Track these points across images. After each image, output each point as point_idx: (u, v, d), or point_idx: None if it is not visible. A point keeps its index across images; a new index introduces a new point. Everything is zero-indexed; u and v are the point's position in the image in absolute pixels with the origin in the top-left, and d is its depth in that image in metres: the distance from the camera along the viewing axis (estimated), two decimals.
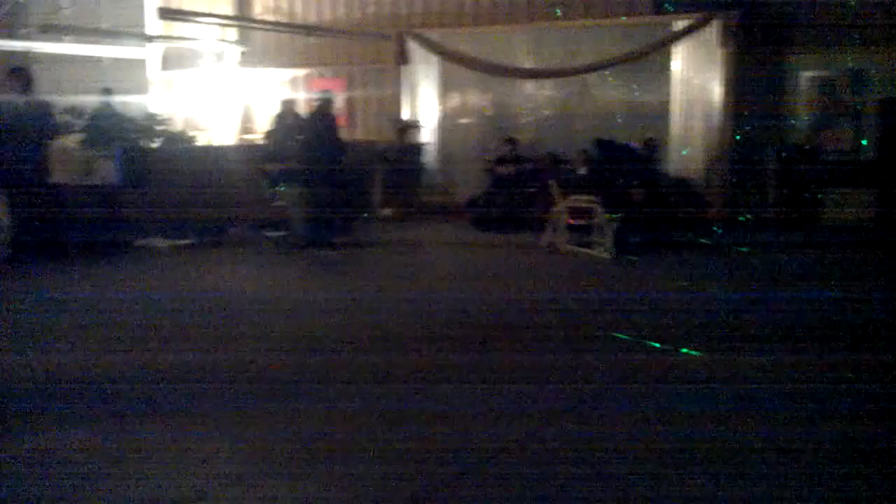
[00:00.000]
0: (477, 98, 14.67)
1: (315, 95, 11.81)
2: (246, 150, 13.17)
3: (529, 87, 14.28)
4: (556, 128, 13.91)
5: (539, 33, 13.92)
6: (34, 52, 14.27)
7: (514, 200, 12.01)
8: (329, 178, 10.40)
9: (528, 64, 13.99)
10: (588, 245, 9.95)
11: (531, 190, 11.75)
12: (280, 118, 12.04)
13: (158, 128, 12.06)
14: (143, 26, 15.36)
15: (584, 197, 10.04)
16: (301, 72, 15.15)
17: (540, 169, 12.12)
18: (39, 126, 9.32)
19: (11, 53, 13.97)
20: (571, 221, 10.19)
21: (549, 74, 13.85)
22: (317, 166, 10.34)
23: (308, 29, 14.45)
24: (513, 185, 12.27)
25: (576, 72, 13.37)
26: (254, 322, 6.89)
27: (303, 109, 12.57)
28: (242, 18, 15.33)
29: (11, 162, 9.04)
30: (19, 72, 9.43)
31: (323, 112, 10.83)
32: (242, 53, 15.64)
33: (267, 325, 6.76)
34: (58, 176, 9.74)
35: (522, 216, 11.64)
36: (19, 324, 6.77)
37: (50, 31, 13.93)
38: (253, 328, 6.67)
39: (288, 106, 12.29)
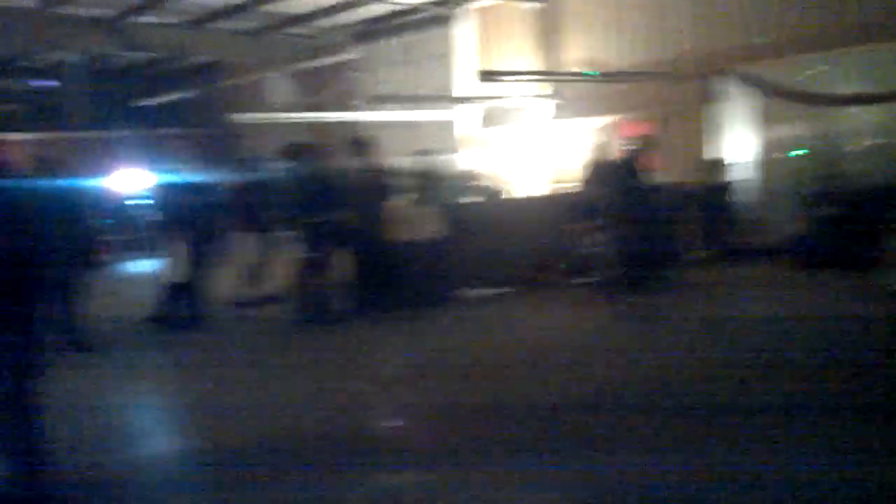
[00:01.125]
0: (796, 130, 13.93)
1: (624, 141, 11.82)
2: (558, 199, 13.44)
3: (854, 114, 13.33)
4: (888, 158, 12.81)
5: (861, 57, 12.99)
6: (363, 121, 15.63)
7: (843, 237, 11.18)
8: (639, 223, 10.32)
9: (850, 90, 13.07)
10: None
11: (863, 226, 10.87)
12: (591, 167, 12.17)
13: (478, 184, 12.68)
14: (456, 89, 16.34)
15: None
16: (610, 119, 15.28)
17: (871, 201, 11.21)
18: (376, 188, 10.13)
19: (344, 124, 15.41)
20: None
21: (876, 100, 12.83)
22: (627, 212, 10.30)
23: (616, 76, 14.57)
24: (840, 221, 11.44)
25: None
26: (577, 364, 7.00)
27: (613, 156, 12.62)
28: (555, 73, 15.78)
29: (357, 222, 9.87)
30: (359, 140, 10.32)
31: (632, 157, 10.82)
32: (556, 106, 16.06)
33: (589, 368, 6.84)
34: (391, 233, 10.48)
35: (854, 254, 10.80)
36: (365, 372, 7.35)
37: (376, 101, 15.24)
38: (576, 370, 6.78)
39: (598, 154, 12.40)
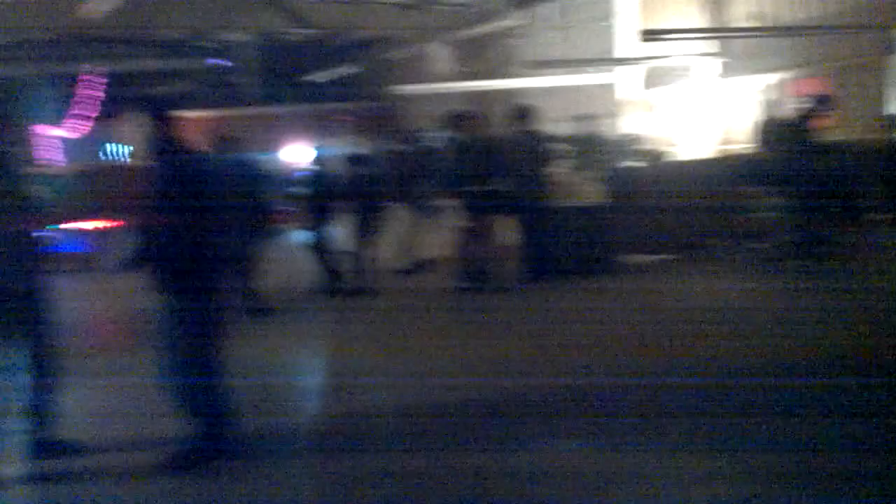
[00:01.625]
0: None
1: (800, 100, 11.22)
2: (727, 161, 12.97)
3: None
4: None
5: None
6: (523, 88, 15.56)
7: None
8: (812, 185, 9.80)
9: None
10: None
11: None
12: (762, 127, 11.66)
13: (641, 147, 12.42)
14: (618, 51, 16.00)
15: None
16: (782, 76, 14.57)
17: None
18: (538, 155, 10.09)
19: (505, 91, 15.39)
20: None
21: None
22: (798, 173, 9.80)
23: (789, 30, 13.86)
24: None
25: None
26: (747, 333, 6.76)
27: (785, 115, 12.05)
28: (722, 29, 15.17)
29: (519, 189, 9.87)
30: (520, 107, 10.29)
31: (806, 116, 10.26)
32: (722, 64, 15.46)
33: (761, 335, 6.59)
34: (553, 199, 10.42)
35: None
36: (536, 339, 7.37)
37: (536, 67, 15.12)
38: (746, 339, 6.55)
39: (769, 113, 11.86)
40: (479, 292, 9.52)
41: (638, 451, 4.62)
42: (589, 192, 10.81)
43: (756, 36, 14.38)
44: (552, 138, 11.73)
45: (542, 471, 4.48)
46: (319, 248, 10.30)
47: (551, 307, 8.62)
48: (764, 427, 4.83)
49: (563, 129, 12.32)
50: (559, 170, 11.59)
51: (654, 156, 12.16)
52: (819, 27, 13.77)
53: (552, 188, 10.26)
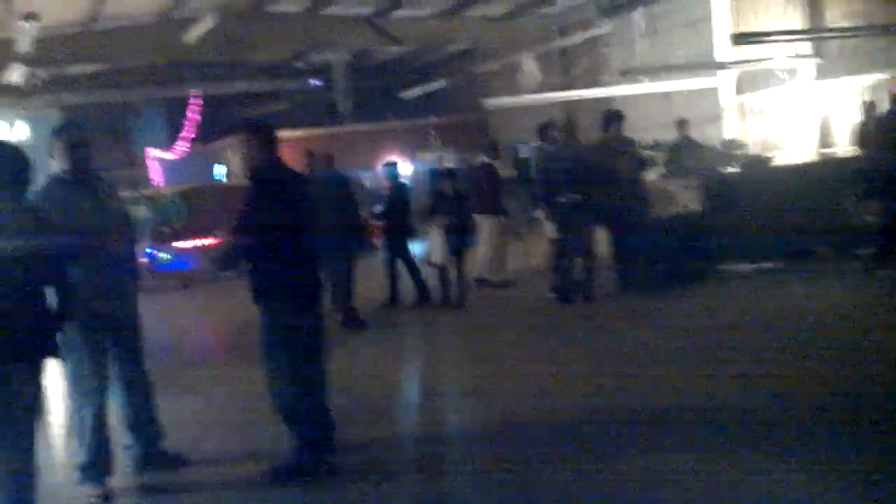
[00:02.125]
0: None
1: None
2: (828, 164, 12.59)
3: None
4: None
5: None
6: (617, 96, 15.42)
7: None
8: None
9: None
10: None
11: None
12: (865, 128, 11.28)
13: (736, 152, 12.17)
14: (712, 55, 15.70)
15: None
16: (881, 76, 14.06)
17: None
18: (632, 163, 9.96)
19: (598, 100, 15.28)
20: None
21: None
22: None
23: (890, 29, 13.37)
24: None
25: None
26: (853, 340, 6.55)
27: (887, 116, 11.61)
28: (817, 30, 14.76)
29: (613, 198, 9.78)
30: (611, 114, 10.16)
31: None
32: (818, 65, 15.04)
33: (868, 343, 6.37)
34: (649, 208, 10.28)
35: None
36: (637, 348, 7.30)
37: (629, 74, 14.97)
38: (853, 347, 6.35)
39: (871, 115, 11.46)
40: (574, 303, 9.47)
41: (754, 461, 4.53)
42: (686, 199, 10.65)
43: (851, 36, 13.92)
44: (646, 145, 11.62)
45: (652, 482, 4.44)
46: (412, 262, 10.45)
47: (648, 317, 8.51)
48: (883, 437, 4.68)
49: (658, 136, 12.18)
50: (655, 178, 11.48)
51: (752, 161, 11.89)
52: None
53: (648, 197, 10.14)
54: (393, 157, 12.44)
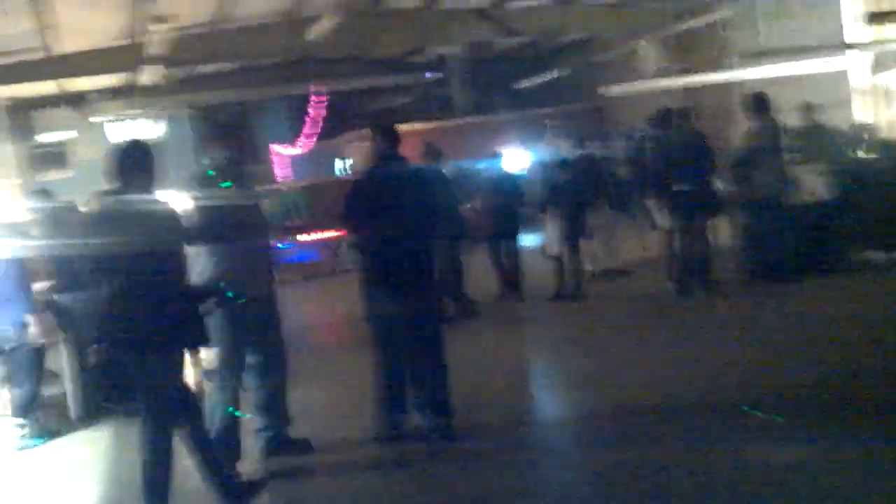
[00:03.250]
0: None
1: None
2: None
3: None
4: None
5: None
6: (739, 80, 14.93)
7: None
8: None
9: None
10: None
11: None
12: None
13: (868, 137, 11.60)
14: (841, 36, 15.01)
15: None
16: None
17: None
18: (770, 147, 9.61)
19: (719, 85, 14.84)
20: None
21: None
22: None
23: None
24: None
25: None
26: None
27: None
28: None
29: (737, 186, 9.51)
30: (759, 96, 9.77)
31: None
32: None
33: None
34: (779, 195, 9.93)
35: None
36: (757, 339, 7.12)
37: (752, 57, 14.47)
38: None
39: None
40: (693, 293, 9.27)
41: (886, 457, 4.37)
42: (814, 186, 10.25)
43: None
44: (778, 130, 11.15)
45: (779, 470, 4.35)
46: (515, 257, 10.46)
47: (770, 308, 8.27)
48: None
49: (788, 120, 11.69)
50: (785, 164, 11.04)
51: (886, 146, 11.32)
52: None
53: (777, 183, 9.80)
54: (500, 149, 12.45)
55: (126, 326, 4.22)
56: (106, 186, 4.50)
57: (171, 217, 4.59)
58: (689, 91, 16.29)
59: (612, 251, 11.26)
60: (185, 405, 4.49)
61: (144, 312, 4.21)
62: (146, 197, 4.43)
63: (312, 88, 22.38)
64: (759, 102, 9.59)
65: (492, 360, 7.63)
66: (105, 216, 4.42)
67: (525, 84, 23.95)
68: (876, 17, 13.36)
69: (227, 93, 23.42)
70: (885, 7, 14.40)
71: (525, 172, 11.63)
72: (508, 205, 10.56)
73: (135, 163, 4.47)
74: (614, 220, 11.26)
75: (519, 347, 8.23)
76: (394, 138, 5.59)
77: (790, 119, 11.02)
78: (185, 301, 4.42)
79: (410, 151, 9.43)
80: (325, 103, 23.12)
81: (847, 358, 6.17)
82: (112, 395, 6.94)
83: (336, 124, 23.49)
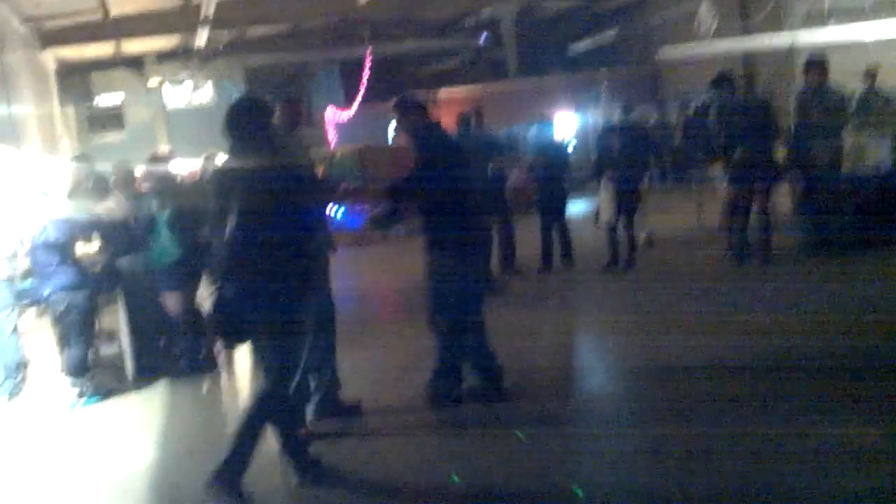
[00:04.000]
0: None
1: None
2: None
3: None
4: None
5: None
6: (801, 43, 14.50)
7: None
8: None
9: None
10: None
11: None
12: None
13: None
14: None
15: None
16: None
17: None
18: (825, 114, 9.33)
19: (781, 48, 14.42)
20: None
21: None
22: None
23: None
24: None
25: None
26: None
27: None
28: None
29: (796, 154, 9.29)
30: (817, 60, 9.46)
31: None
32: None
33: None
34: (839, 165, 9.66)
35: None
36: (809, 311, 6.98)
37: (815, 19, 14.04)
38: None
39: None
40: (750, 263, 9.10)
41: None
42: (875, 156, 9.98)
43: None
44: (839, 97, 10.83)
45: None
46: (564, 226, 10.30)
47: (828, 280, 8.07)
48: None
49: (851, 87, 11.30)
50: (846, 132, 10.72)
51: None
52: None
53: (834, 152, 9.52)
54: (552, 112, 12.24)
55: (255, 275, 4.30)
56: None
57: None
58: (749, 55, 15.88)
59: (674, 217, 11.03)
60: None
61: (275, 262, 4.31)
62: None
63: (364, 51, 22.33)
64: (816, 66, 9.29)
65: (541, 330, 7.58)
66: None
67: (579, 46, 23.61)
68: None
69: (280, 56, 23.48)
70: None
71: (577, 138, 11.50)
72: (557, 171, 10.39)
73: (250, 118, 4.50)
74: (671, 186, 11.07)
75: (568, 318, 8.15)
76: (422, 113, 5.64)
77: (852, 85, 10.70)
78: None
79: (456, 117, 9.39)
80: (378, 67, 23.05)
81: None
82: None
83: (389, 88, 23.47)
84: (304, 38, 22.69)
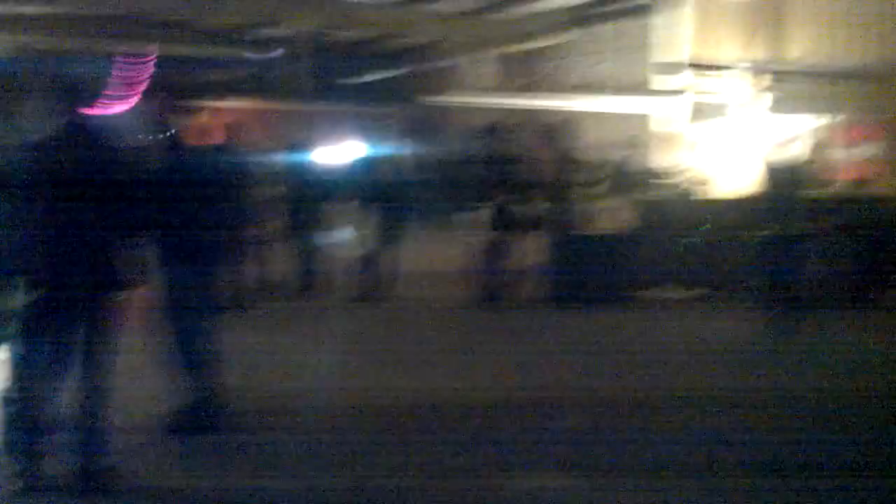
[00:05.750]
0: None
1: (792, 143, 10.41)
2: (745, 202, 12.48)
3: None
4: None
5: None
6: (561, 110, 15.37)
7: None
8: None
9: None
10: None
11: None
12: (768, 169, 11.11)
13: (672, 180, 12.20)
14: (665, 80, 15.72)
15: None
16: (832, 119, 14.19)
17: None
18: (568, 176, 9.90)
19: (539, 111, 15.20)
20: None
21: None
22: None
23: (843, 74, 13.56)
24: None
25: None
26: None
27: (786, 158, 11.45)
28: (770, 68, 14.78)
29: (546, 209, 9.76)
30: (558, 126, 10.04)
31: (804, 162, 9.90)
32: (772, 101, 15.05)
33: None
34: (580, 224, 10.22)
35: None
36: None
37: (575, 89, 14.96)
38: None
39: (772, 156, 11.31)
40: (490, 310, 9.40)
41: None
42: (616, 219, 10.66)
43: (804, 77, 14.07)
44: (586, 162, 11.53)
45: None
46: (311, 253, 10.16)
47: (555, 331, 8.50)
48: None
49: (598, 154, 12.10)
50: (589, 194, 11.43)
51: (685, 190, 11.94)
52: (872, 73, 13.45)
53: (580, 212, 10.13)
54: (321, 140, 12.19)
55: None
56: None
57: None
58: (515, 111, 16.60)
59: (422, 256, 11.23)
60: None
61: None
62: None
63: (143, 49, 21.33)
64: (557, 133, 9.93)
65: (265, 354, 7.40)
66: None
67: (362, 79, 23.81)
68: (690, 67, 14.09)
69: (57, 39, 21.99)
70: (703, 59, 15.18)
71: (343, 167, 11.48)
72: (319, 198, 10.29)
73: None
74: (428, 225, 11.27)
75: (301, 343, 8.01)
76: (187, 112, 5.39)
77: (599, 153, 11.46)
78: None
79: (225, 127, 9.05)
80: (157, 66, 22.08)
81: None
82: None
83: (168, 88, 22.45)
84: (84, 23, 21.39)
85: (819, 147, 10.78)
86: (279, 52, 23.18)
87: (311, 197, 10.14)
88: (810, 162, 10.03)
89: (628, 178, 11.27)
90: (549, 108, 15.46)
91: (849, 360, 7.33)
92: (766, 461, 4.95)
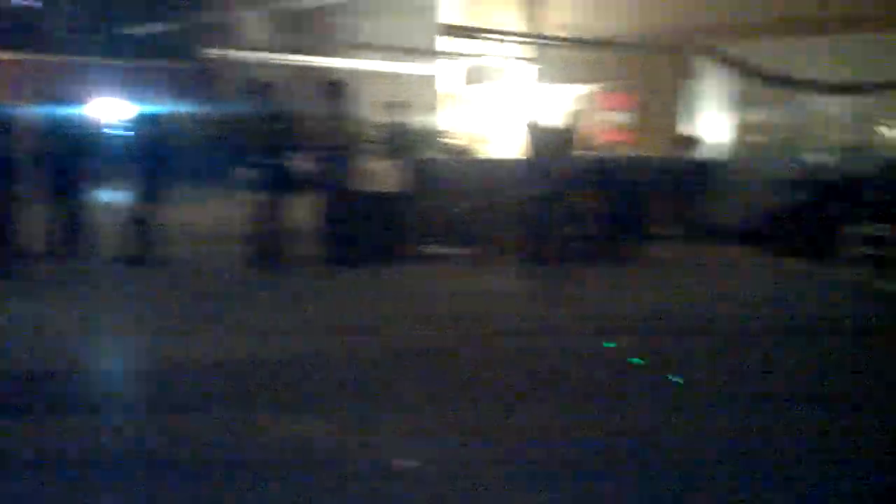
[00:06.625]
0: (769, 114, 13.88)
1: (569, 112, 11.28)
2: (514, 165, 13.22)
3: (828, 103, 13.30)
4: (858, 147, 12.81)
5: (841, 45, 12.91)
6: (340, 69, 15.41)
7: (807, 226, 11.13)
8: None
9: (829, 78, 13.01)
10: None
11: (826, 217, 10.86)
12: (532, 134, 11.88)
13: (444, 141, 12.58)
14: (434, 44, 16.10)
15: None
16: (590, 87, 15.13)
17: (836, 192, 11.17)
18: (345, 136, 9.97)
19: (319, 69, 15.17)
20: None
21: (854, 90, 12.82)
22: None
23: (591, 44, 14.43)
24: (804, 210, 11.40)
25: (882, 87, 12.30)
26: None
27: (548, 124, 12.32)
28: (529, 36, 15.55)
29: (321, 169, 9.79)
30: (332, 85, 10.08)
31: (570, 129, 10.72)
32: (538, 70, 15.83)
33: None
34: (356, 183, 10.34)
35: (815, 244, 10.79)
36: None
37: (354, 49, 15.01)
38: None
39: (534, 121, 12.12)
40: (266, 270, 9.38)
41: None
42: (391, 179, 10.84)
43: (562, 46, 14.89)
44: (362, 122, 11.64)
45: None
46: (90, 210, 9.76)
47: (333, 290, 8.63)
48: None
49: (374, 114, 12.24)
50: (363, 153, 11.55)
51: (459, 151, 12.37)
52: (624, 44, 14.41)
53: (354, 171, 10.22)
54: (87, 95, 11.59)
55: None
56: None
57: None
58: (293, 69, 16.45)
59: (197, 215, 10.95)
60: None
61: None
62: None
63: None
64: (333, 90, 9.98)
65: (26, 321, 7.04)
66: None
67: (133, 32, 22.65)
68: (448, 30, 14.53)
69: None
70: (477, 24, 15.69)
71: (114, 123, 10.98)
72: (82, 155, 9.77)
73: None
74: (203, 183, 10.99)
75: (64, 310, 7.66)
76: None
77: (377, 114, 11.58)
78: None
79: None
80: None
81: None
82: None
83: None
84: None
85: (579, 112, 11.47)
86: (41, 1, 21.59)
87: (77, 154, 9.61)
88: (571, 127, 10.69)
89: (405, 138, 11.46)
90: (329, 67, 15.45)
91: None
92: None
